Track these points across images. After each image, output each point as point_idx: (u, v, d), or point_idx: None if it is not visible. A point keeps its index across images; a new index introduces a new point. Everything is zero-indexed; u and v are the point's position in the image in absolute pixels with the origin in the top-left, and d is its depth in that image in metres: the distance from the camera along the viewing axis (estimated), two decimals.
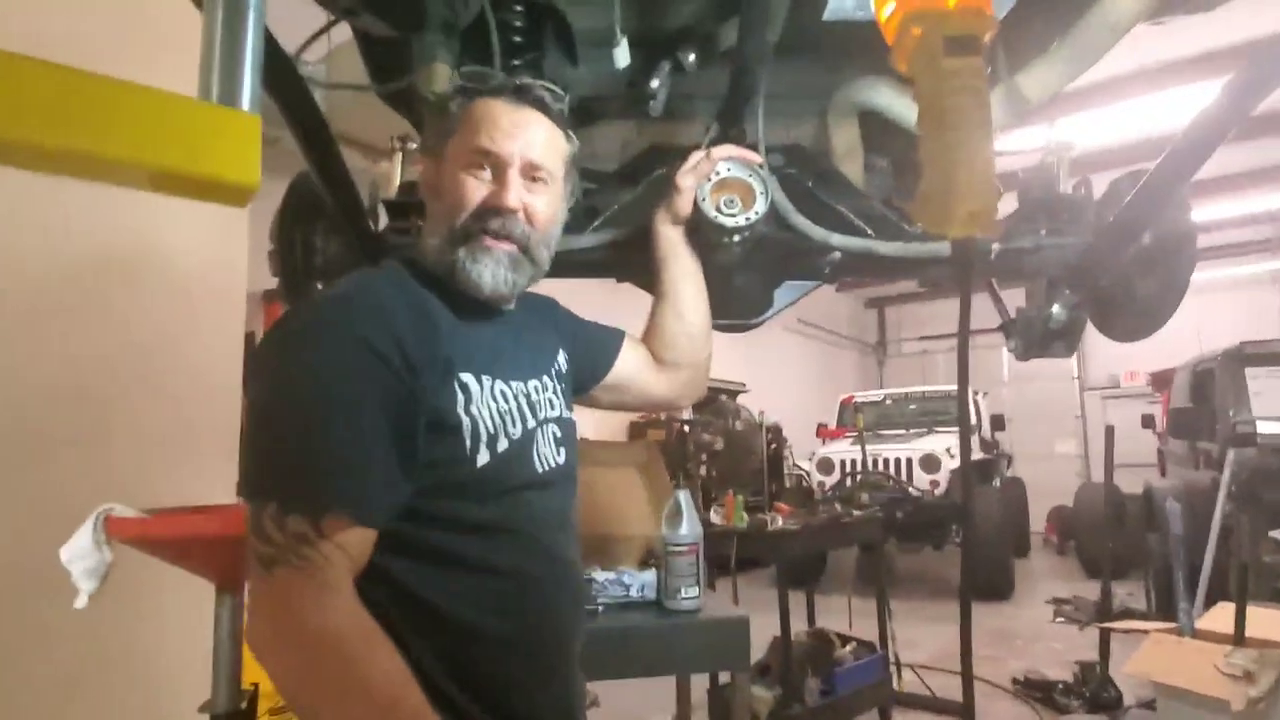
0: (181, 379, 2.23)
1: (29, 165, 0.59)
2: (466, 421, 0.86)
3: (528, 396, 0.96)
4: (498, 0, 1.19)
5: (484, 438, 0.87)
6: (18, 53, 0.55)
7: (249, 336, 2.82)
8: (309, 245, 1.49)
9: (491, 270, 0.92)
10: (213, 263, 2.43)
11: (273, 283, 1.57)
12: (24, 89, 0.54)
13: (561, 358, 1.10)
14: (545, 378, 1.03)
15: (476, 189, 0.91)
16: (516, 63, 1.32)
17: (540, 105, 0.96)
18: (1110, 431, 4.13)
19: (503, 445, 0.89)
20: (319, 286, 1.51)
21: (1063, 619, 5.67)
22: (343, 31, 1.33)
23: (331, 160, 1.28)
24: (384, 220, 1.48)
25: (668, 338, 1.26)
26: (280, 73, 1.08)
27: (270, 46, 0.90)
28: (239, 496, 0.77)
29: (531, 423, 0.95)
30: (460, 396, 0.86)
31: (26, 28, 1.94)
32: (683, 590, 1.62)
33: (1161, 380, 7.51)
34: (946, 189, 0.71)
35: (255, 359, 0.88)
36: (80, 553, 1.35)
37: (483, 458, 0.87)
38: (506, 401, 0.92)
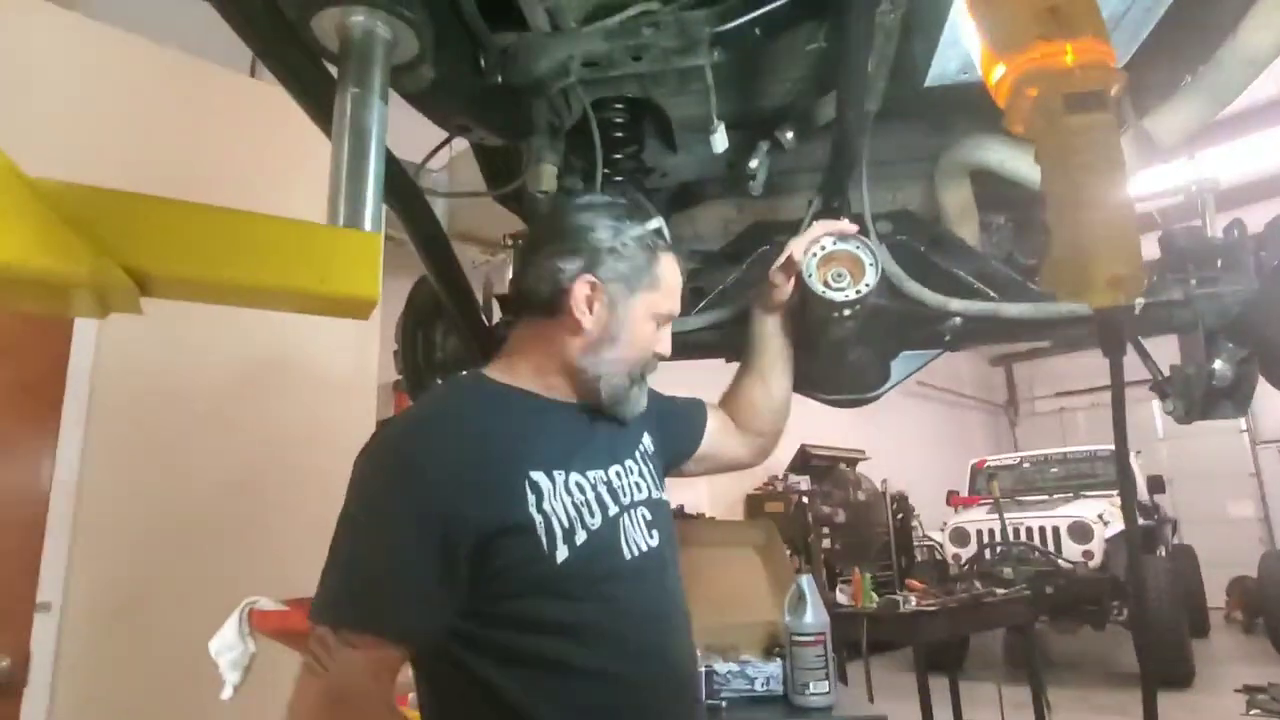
0: (321, 468, 2.37)
1: (185, 297, 0.65)
2: (539, 520, 0.87)
3: (608, 483, 0.97)
4: (598, 100, 1.24)
5: (559, 533, 0.88)
6: (173, 199, 0.61)
7: (380, 425, 3.01)
8: (429, 342, 1.57)
9: (644, 397, 1.06)
10: (348, 360, 2.62)
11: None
12: (180, 231, 0.60)
13: (648, 439, 1.11)
14: (629, 461, 1.04)
15: (655, 340, 1.05)
16: (618, 155, 1.37)
17: None
18: None
19: (581, 538, 0.90)
20: (438, 380, 1.58)
21: (1258, 711, 4.92)
22: (462, 140, 1.42)
23: (447, 264, 1.36)
24: (497, 314, 1.55)
25: (754, 409, 1.28)
26: (401, 189, 1.16)
27: (392, 167, 0.97)
28: None
29: (614, 509, 0.95)
30: (531, 496, 0.88)
31: (175, 171, 2.21)
32: (811, 685, 1.52)
33: None
34: (1082, 254, 0.65)
35: None
36: (227, 645, 1.43)
37: (561, 554, 0.88)
38: (583, 493, 0.93)
